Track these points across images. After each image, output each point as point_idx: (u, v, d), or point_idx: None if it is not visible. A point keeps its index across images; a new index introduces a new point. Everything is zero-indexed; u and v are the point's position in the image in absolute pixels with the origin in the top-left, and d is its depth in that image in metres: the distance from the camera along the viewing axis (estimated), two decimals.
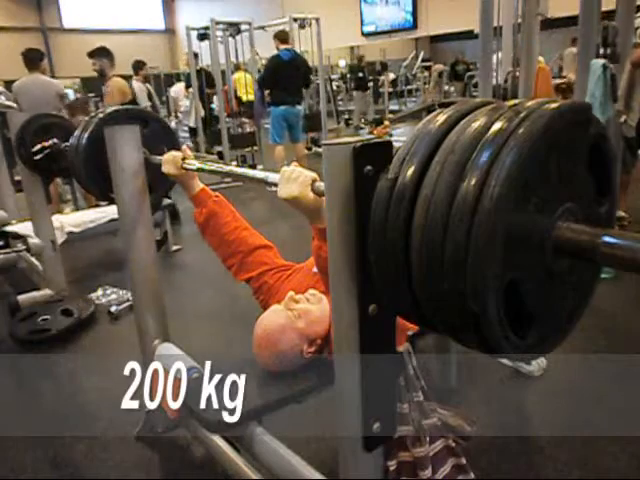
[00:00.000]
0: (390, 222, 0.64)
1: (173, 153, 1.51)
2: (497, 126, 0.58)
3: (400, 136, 9.81)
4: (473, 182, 0.55)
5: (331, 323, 1.28)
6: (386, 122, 5.00)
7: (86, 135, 1.68)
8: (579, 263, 0.67)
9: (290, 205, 1.01)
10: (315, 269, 1.48)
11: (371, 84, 13.02)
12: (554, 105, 0.59)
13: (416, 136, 0.65)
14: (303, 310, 1.38)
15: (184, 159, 1.48)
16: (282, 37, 5.95)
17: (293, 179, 1.00)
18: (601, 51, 3.11)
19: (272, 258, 1.63)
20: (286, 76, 5.87)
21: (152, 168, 1.61)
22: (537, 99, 0.62)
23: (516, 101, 0.63)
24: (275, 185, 1.06)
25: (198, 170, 1.46)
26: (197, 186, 1.56)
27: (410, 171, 0.63)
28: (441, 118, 0.65)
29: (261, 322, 1.42)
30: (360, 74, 11.72)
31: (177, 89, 8.94)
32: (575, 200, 0.65)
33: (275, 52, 5.88)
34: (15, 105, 4.37)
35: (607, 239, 0.58)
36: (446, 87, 13.36)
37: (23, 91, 4.61)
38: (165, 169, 1.50)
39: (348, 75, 15.41)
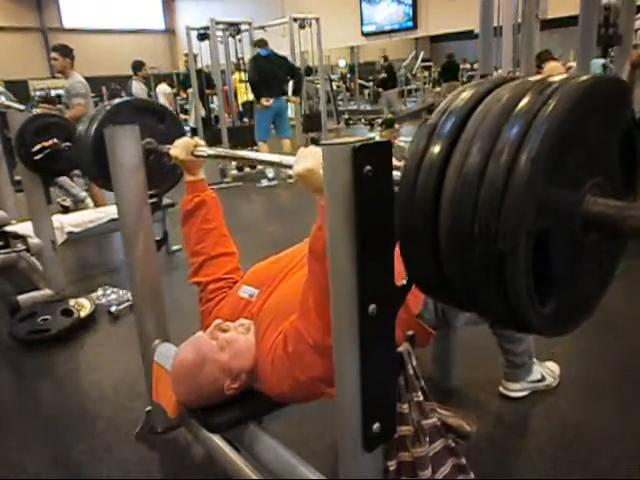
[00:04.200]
0: (419, 192, 0.65)
1: (185, 139, 1.50)
2: (526, 100, 0.58)
3: (401, 136, 9.82)
4: (504, 158, 0.57)
5: (258, 355, 1.25)
6: (396, 125, 5.00)
7: (95, 126, 1.65)
8: (603, 240, 0.68)
9: (303, 182, 1.00)
10: (242, 292, 1.42)
11: (371, 84, 13.04)
12: (583, 80, 0.60)
13: (442, 111, 0.66)
14: (228, 341, 1.25)
15: (196, 146, 1.48)
16: (261, 44, 6.25)
17: (309, 154, 1.00)
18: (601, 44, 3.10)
19: (225, 266, 1.54)
20: (267, 71, 6.13)
21: (157, 162, 1.62)
22: (565, 73, 0.63)
23: (542, 76, 0.64)
24: (289, 167, 1.06)
25: (210, 157, 1.45)
26: (200, 174, 1.54)
27: (436, 154, 0.63)
28: (467, 94, 0.65)
29: (181, 351, 1.29)
30: (386, 73, 11.58)
31: (158, 90, 9.03)
32: (603, 175, 0.66)
33: None
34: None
35: (634, 212, 0.60)
36: (438, 89, 13.37)
37: None
38: (175, 152, 1.48)
39: (348, 75, 15.44)
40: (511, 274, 0.59)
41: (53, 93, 12.90)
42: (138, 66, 6.66)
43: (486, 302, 0.66)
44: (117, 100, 1.73)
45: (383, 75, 11.72)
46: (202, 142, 1.53)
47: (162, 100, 9.02)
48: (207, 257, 1.53)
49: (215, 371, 1.23)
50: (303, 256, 1.43)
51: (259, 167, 6.72)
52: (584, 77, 0.60)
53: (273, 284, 1.39)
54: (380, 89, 11.89)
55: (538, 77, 0.64)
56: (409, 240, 0.68)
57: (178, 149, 1.47)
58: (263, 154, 1.30)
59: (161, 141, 1.67)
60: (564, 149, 0.59)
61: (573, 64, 6.25)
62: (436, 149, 0.63)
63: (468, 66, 13.72)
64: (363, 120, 12.30)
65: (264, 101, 6.08)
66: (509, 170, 0.56)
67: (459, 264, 0.63)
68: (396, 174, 0.81)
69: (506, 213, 0.57)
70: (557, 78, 0.61)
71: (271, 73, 6.18)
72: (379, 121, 10.67)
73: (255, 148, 6.90)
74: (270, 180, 6.26)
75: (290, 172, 1.04)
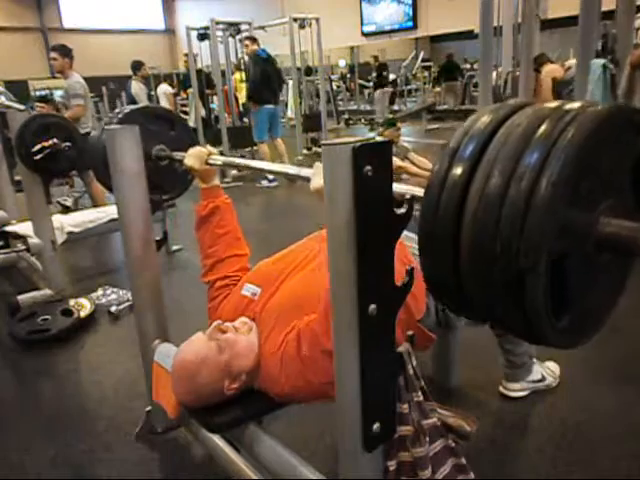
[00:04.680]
0: (440, 220, 0.68)
1: (199, 148, 1.52)
2: (545, 127, 0.62)
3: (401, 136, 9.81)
4: (525, 182, 0.60)
5: (263, 354, 1.25)
6: (399, 124, 4.95)
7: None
8: (616, 258, 0.71)
9: (321, 196, 1.01)
10: (244, 291, 1.42)
11: (371, 84, 13.04)
12: (600, 108, 0.63)
13: (463, 134, 0.69)
14: (228, 341, 1.25)
15: (209, 154, 1.49)
16: (254, 38, 6.30)
17: None
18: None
19: (233, 266, 1.54)
20: (268, 75, 6.20)
21: (169, 168, 1.67)
22: (583, 101, 0.66)
23: (558, 103, 0.67)
24: (307, 180, 1.07)
25: (224, 165, 1.47)
26: (214, 181, 1.55)
27: (458, 175, 0.66)
28: (486, 118, 0.69)
29: (180, 352, 1.30)
30: (382, 73, 11.72)
31: (159, 90, 9.06)
32: (616, 197, 0.69)
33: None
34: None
35: None
36: (437, 89, 13.38)
37: None
38: (189, 162, 1.50)
39: (348, 75, 15.43)
40: (531, 291, 0.62)
41: (57, 93, 12.93)
42: (137, 66, 6.66)
43: (504, 316, 0.69)
44: (129, 107, 1.75)
45: (374, 75, 11.81)
46: (215, 150, 1.55)
47: (163, 100, 9.06)
48: (218, 259, 1.54)
49: (214, 372, 1.23)
50: (307, 254, 1.43)
51: None
52: (600, 107, 0.63)
53: (276, 283, 1.38)
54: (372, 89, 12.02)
55: (555, 104, 0.67)
56: (431, 255, 0.71)
57: (192, 159, 1.50)
58: (280, 165, 1.31)
59: (172, 147, 1.70)
60: (581, 174, 0.62)
61: (573, 61, 6.25)
62: (459, 170, 0.66)
63: (468, 66, 13.72)
64: (363, 120, 12.29)
65: (253, 107, 6.26)
66: (530, 192, 0.59)
67: (479, 280, 0.66)
68: (417, 190, 0.84)
69: (528, 232, 0.60)
70: (574, 106, 0.64)
71: (270, 75, 6.25)
72: (380, 121, 10.68)
73: (255, 148, 6.91)
74: (270, 181, 6.27)
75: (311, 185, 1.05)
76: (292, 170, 1.20)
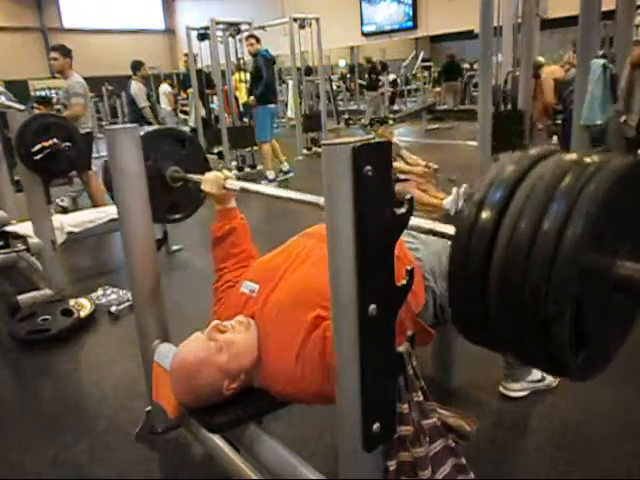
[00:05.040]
0: (470, 259, 0.73)
1: (215, 173, 1.55)
2: (568, 179, 0.67)
3: (401, 136, 9.82)
4: (553, 230, 0.65)
5: (265, 351, 1.25)
6: (390, 121, 4.98)
7: None
8: (629, 297, 0.77)
9: None
10: (243, 288, 1.42)
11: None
12: (617, 163, 0.68)
13: (489, 184, 0.73)
14: (226, 342, 1.24)
15: (226, 179, 1.52)
16: (258, 37, 6.35)
17: None
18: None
19: (239, 273, 1.55)
20: (271, 74, 6.31)
21: (183, 187, 1.72)
22: (600, 154, 0.71)
23: (578, 156, 0.72)
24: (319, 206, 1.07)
25: (242, 191, 1.49)
26: (231, 203, 1.58)
27: (488, 218, 0.71)
28: (511, 168, 0.73)
29: (179, 352, 1.29)
30: (372, 75, 11.78)
31: (161, 91, 9.09)
32: (633, 242, 0.75)
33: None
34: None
35: None
36: (438, 89, 13.42)
37: None
38: (206, 188, 1.53)
39: (348, 75, 15.43)
40: (557, 335, 0.68)
41: (54, 93, 12.95)
42: (137, 66, 6.65)
43: (529, 354, 0.75)
44: (143, 129, 1.76)
45: (365, 77, 11.84)
46: (232, 174, 1.57)
47: (164, 100, 9.07)
48: (228, 271, 1.56)
49: (213, 373, 1.22)
50: (300, 250, 1.43)
51: (259, 167, 6.73)
52: (620, 161, 0.69)
53: (274, 279, 1.38)
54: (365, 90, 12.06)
55: (575, 156, 0.72)
56: (460, 295, 0.76)
57: (209, 184, 1.53)
58: (297, 193, 1.31)
59: (184, 166, 1.73)
60: (603, 224, 0.67)
61: (570, 54, 6.26)
62: (486, 218, 0.71)
63: (467, 66, 13.73)
64: (363, 120, 12.29)
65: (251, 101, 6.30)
66: (558, 241, 0.64)
67: (507, 322, 0.72)
68: (446, 228, 0.91)
69: (556, 280, 0.65)
70: (595, 160, 0.69)
71: (274, 79, 6.44)
72: (365, 123, 10.72)
73: (255, 148, 6.91)
74: (270, 181, 6.28)
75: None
76: (311, 199, 1.22)
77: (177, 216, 1.86)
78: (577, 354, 0.71)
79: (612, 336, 0.81)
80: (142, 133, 1.72)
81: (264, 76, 6.12)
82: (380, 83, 12.00)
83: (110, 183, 1.70)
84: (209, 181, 1.53)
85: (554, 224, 0.65)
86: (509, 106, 4.13)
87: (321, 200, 1.16)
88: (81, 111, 4.52)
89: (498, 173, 0.74)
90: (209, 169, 1.67)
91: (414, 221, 0.93)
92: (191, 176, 1.69)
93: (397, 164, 4.49)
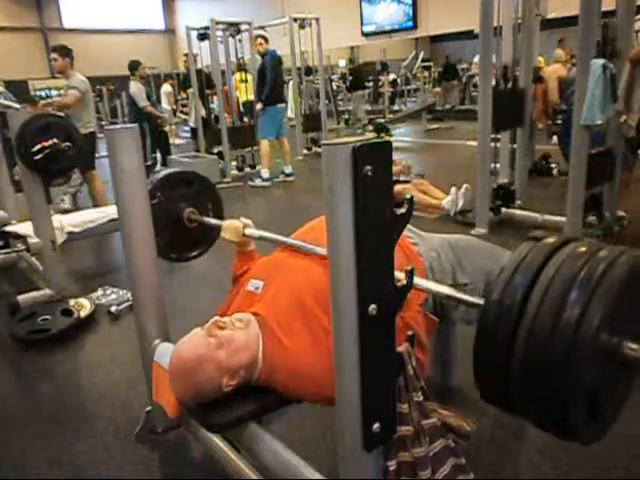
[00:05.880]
0: (496, 335, 0.81)
1: (235, 222, 1.61)
2: (584, 273, 0.76)
3: (400, 136, 9.83)
4: (574, 317, 0.73)
5: (258, 349, 1.26)
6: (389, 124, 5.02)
7: None
8: (633, 370, 0.86)
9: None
10: (249, 286, 1.43)
11: (371, 84, 13.02)
12: (627, 258, 0.77)
13: (514, 268, 0.81)
14: (226, 338, 1.23)
15: (245, 227, 1.58)
16: (266, 37, 6.39)
17: None
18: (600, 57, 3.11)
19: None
20: (277, 75, 6.30)
21: (199, 227, 1.83)
22: (609, 248, 0.80)
23: (592, 247, 0.81)
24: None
25: (260, 239, 1.55)
26: (250, 247, 1.63)
27: (514, 298, 0.79)
28: (532, 255, 0.82)
29: (178, 348, 1.29)
30: (357, 75, 11.83)
31: (162, 91, 9.10)
32: (637, 322, 0.84)
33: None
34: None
35: None
36: (437, 89, 13.52)
37: None
38: (227, 236, 1.60)
39: (348, 75, 15.43)
40: (574, 415, 0.77)
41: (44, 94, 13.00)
42: (134, 65, 6.64)
43: (546, 425, 0.83)
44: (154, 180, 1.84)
45: (349, 77, 11.85)
46: (250, 222, 1.62)
47: (165, 100, 9.07)
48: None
49: (212, 369, 1.22)
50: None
51: (258, 167, 6.74)
52: (629, 256, 0.77)
53: (278, 275, 1.40)
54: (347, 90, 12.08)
55: (588, 247, 0.81)
56: (485, 366, 0.84)
57: (229, 232, 1.60)
58: (306, 245, 1.39)
59: (195, 202, 1.84)
60: (617, 310, 0.75)
61: (559, 52, 6.27)
62: (512, 301, 0.79)
63: (466, 66, 13.74)
64: (363, 120, 12.29)
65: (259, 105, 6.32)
66: (577, 326, 0.73)
67: (527, 399, 0.80)
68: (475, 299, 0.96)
69: (575, 356, 0.73)
70: (607, 254, 0.78)
71: (280, 79, 6.44)
72: (365, 122, 10.70)
73: (255, 148, 6.91)
74: (264, 180, 6.31)
75: None
76: (315, 249, 1.34)
77: (194, 253, 1.97)
78: (590, 427, 0.81)
79: (619, 399, 0.90)
80: (161, 176, 1.85)
81: (268, 77, 6.13)
82: (377, 83, 12.02)
83: None
84: (229, 229, 1.60)
85: (575, 311, 0.73)
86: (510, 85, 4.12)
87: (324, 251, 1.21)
88: (74, 100, 4.48)
89: (520, 259, 0.83)
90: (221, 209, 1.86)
91: (441, 288, 1.05)
92: (207, 219, 1.80)
93: (420, 196, 4.51)
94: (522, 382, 0.78)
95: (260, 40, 6.28)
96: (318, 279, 1.30)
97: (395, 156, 4.39)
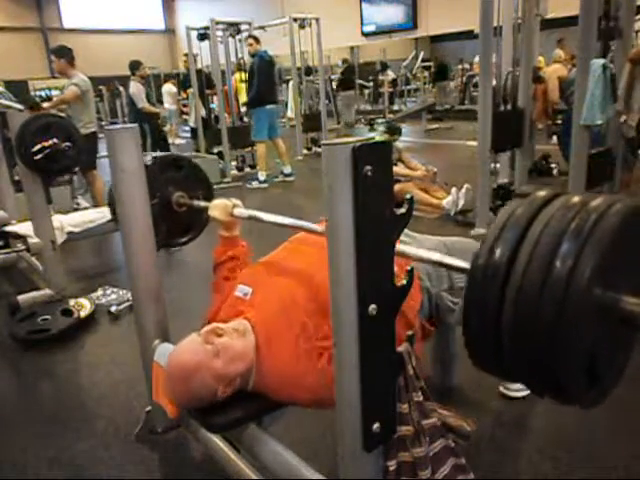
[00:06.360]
0: (484, 296, 0.76)
1: (224, 201, 1.58)
2: (576, 223, 0.71)
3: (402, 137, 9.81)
4: (565, 269, 0.69)
5: (264, 357, 1.25)
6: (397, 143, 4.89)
7: None
8: (634, 328, 0.79)
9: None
10: (237, 292, 1.41)
11: (371, 84, 13.00)
12: (621, 206, 0.72)
13: (502, 225, 0.77)
14: (223, 346, 1.22)
15: (234, 206, 1.55)
16: (257, 38, 6.34)
17: None
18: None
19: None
20: (268, 75, 6.25)
21: (188, 212, 1.77)
22: (603, 197, 0.75)
23: (583, 198, 0.76)
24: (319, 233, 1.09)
25: (249, 218, 1.51)
26: (235, 231, 1.60)
27: (502, 257, 0.74)
28: (520, 210, 0.77)
29: (174, 353, 1.28)
30: (347, 75, 11.87)
31: (164, 90, 9.10)
32: (635, 276, 0.78)
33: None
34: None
35: None
36: (433, 88, 13.62)
37: None
38: (214, 214, 1.56)
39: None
40: (569, 376, 0.72)
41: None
42: (135, 65, 6.64)
43: (542, 389, 0.80)
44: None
45: (339, 77, 11.86)
46: (239, 202, 1.59)
47: (167, 100, 9.06)
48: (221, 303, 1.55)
49: (209, 377, 1.21)
50: (299, 256, 1.43)
51: (257, 168, 6.74)
52: (620, 204, 0.72)
53: (267, 282, 1.39)
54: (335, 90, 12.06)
55: (579, 199, 0.76)
56: (474, 328, 0.79)
57: (217, 211, 1.56)
58: (298, 221, 1.35)
59: (185, 187, 1.77)
60: (611, 261, 0.70)
61: (559, 52, 6.27)
62: (501, 255, 0.74)
63: (465, 66, 13.74)
64: (363, 120, 12.28)
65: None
66: (569, 279, 0.68)
67: (521, 360, 0.75)
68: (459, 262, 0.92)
69: (568, 315, 0.68)
70: (599, 203, 0.73)
71: (272, 76, 6.36)
72: (379, 121, 10.64)
73: (255, 148, 6.91)
74: (261, 182, 6.31)
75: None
76: (307, 225, 1.29)
77: (185, 239, 1.91)
78: (589, 390, 0.76)
79: (618, 361, 0.85)
80: (149, 162, 1.77)
81: (254, 79, 6.12)
82: (377, 82, 12.00)
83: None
84: (217, 207, 1.56)
85: (566, 263, 0.68)
86: (509, 106, 4.14)
87: (319, 228, 1.21)
88: (71, 97, 4.52)
89: (509, 215, 0.78)
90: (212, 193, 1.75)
91: (429, 254, 0.99)
92: (197, 202, 1.73)
93: (397, 168, 4.49)
94: (514, 346, 0.74)
95: (250, 41, 6.25)
96: (308, 284, 1.29)
97: (415, 160, 4.39)
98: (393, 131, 5.10)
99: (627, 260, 0.77)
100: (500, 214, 0.79)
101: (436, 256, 0.98)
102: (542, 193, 0.80)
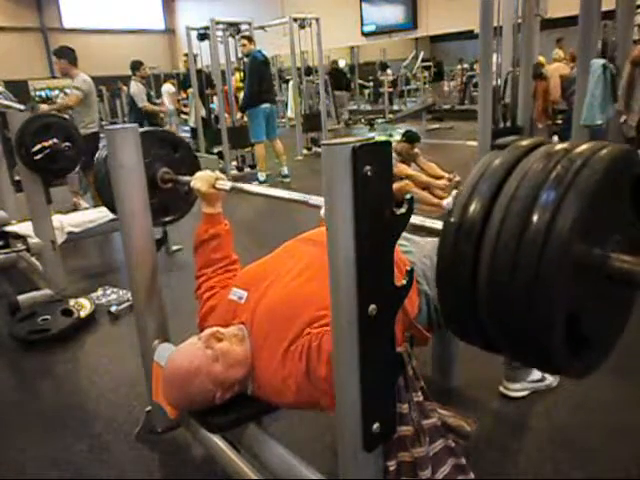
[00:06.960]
0: (458, 257, 0.70)
1: (208, 172, 1.55)
2: (556, 172, 0.65)
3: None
4: (543, 222, 0.62)
5: (258, 362, 1.23)
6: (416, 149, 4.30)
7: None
8: (626, 288, 0.73)
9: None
10: (232, 295, 1.39)
11: (371, 84, 13.00)
12: (606, 152, 0.66)
13: (476, 179, 0.70)
14: (222, 351, 1.22)
15: (217, 179, 1.51)
16: (251, 38, 6.32)
17: None
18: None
19: (220, 279, 1.53)
20: (262, 75, 6.18)
21: (173, 190, 1.74)
22: (588, 143, 0.68)
23: (566, 145, 0.69)
24: (317, 207, 1.08)
25: (232, 190, 1.49)
26: (218, 207, 1.56)
27: (476, 213, 0.68)
28: (498, 161, 0.71)
29: (174, 357, 1.28)
30: (336, 76, 11.92)
31: (164, 90, 9.10)
32: (621, 230, 0.71)
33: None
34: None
35: None
36: (430, 88, 13.68)
37: None
38: (196, 184, 1.51)
39: (348, 75, 15.45)
40: (551, 340, 0.65)
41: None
42: (136, 65, 6.64)
43: (525, 357, 0.73)
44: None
45: (326, 78, 11.92)
46: (223, 175, 1.56)
47: (166, 99, 9.06)
48: (207, 278, 1.54)
49: (207, 382, 1.21)
50: (300, 257, 1.41)
51: (257, 168, 6.75)
52: (605, 150, 0.66)
53: (262, 286, 1.36)
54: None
55: (562, 147, 0.69)
56: (449, 290, 0.73)
57: (199, 182, 1.51)
58: (289, 192, 1.33)
59: (176, 170, 1.75)
60: (596, 213, 0.65)
61: (558, 51, 6.27)
62: (477, 206, 0.68)
63: (467, 66, 13.74)
64: (363, 120, 12.29)
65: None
66: (548, 229, 0.62)
67: (500, 325, 0.69)
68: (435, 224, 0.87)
69: (545, 269, 0.61)
70: (583, 149, 0.67)
71: (267, 76, 6.32)
72: (379, 121, 10.65)
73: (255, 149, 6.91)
74: (260, 183, 6.31)
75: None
76: (299, 197, 1.25)
77: (168, 219, 1.87)
78: (575, 356, 0.69)
79: (610, 329, 0.79)
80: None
81: (246, 80, 6.10)
82: (377, 82, 12.01)
83: (101, 189, 1.70)
84: (200, 178, 1.52)
85: (545, 211, 0.62)
86: (508, 123, 4.15)
87: (311, 199, 1.18)
88: (74, 102, 4.54)
89: (488, 163, 0.71)
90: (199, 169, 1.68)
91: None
92: (181, 177, 1.69)
93: (415, 173, 4.22)
94: (491, 310, 0.68)
95: (244, 41, 6.21)
96: (304, 287, 1.28)
97: (438, 170, 4.22)
98: (412, 139, 4.44)
99: (614, 212, 0.71)
100: (476, 166, 0.72)
101: (416, 221, 0.94)
102: (522, 142, 0.73)
